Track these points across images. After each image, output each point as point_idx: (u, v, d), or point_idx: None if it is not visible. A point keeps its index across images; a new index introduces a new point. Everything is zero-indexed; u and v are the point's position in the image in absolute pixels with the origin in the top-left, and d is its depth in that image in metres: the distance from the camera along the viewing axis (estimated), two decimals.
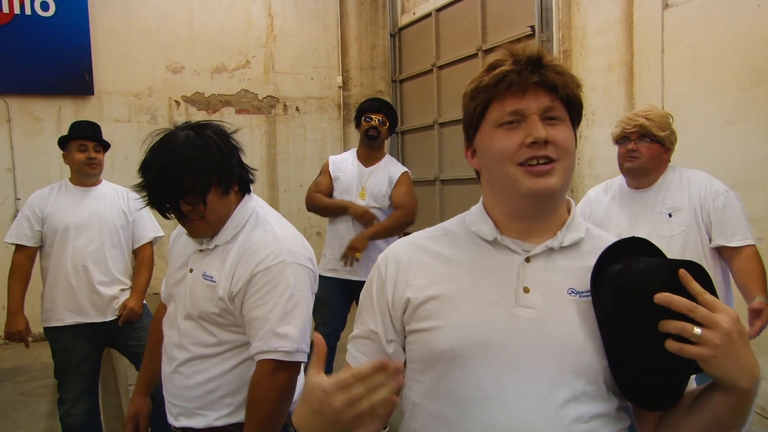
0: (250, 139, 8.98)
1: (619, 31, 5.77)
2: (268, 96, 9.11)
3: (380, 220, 4.60)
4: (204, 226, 2.24)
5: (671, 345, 1.18)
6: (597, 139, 6.14)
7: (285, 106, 9.20)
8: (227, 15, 8.82)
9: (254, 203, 2.34)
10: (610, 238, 1.53)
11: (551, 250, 1.45)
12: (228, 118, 8.65)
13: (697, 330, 1.17)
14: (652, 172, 3.22)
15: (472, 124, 1.49)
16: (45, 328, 4.01)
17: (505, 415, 1.33)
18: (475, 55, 7.79)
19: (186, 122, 2.28)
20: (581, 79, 5.49)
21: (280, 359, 2.10)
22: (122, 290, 4.06)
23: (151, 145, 2.21)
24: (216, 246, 2.25)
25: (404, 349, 1.50)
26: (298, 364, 2.17)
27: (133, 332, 4.02)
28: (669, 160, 3.32)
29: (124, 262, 4.12)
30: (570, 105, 1.44)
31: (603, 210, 3.33)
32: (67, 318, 3.93)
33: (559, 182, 1.40)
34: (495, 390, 1.34)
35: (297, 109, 9.26)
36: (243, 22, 8.92)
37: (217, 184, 2.18)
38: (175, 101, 8.62)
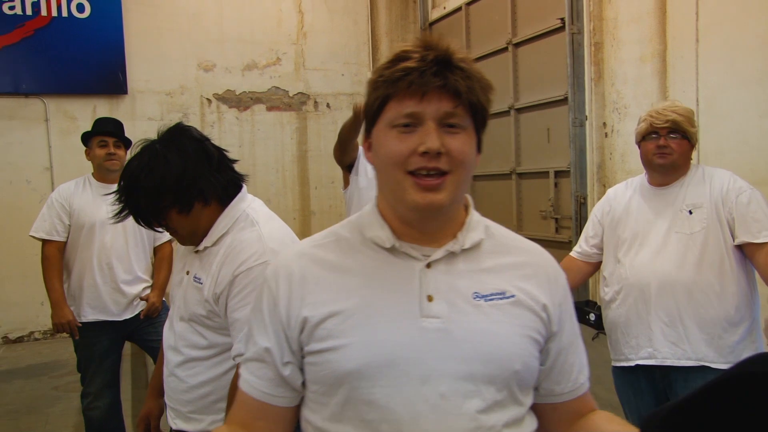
0: (281, 136, 9.02)
1: (652, 22, 5.68)
2: (298, 93, 9.11)
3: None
4: (180, 238, 2.26)
5: None
6: (629, 133, 5.91)
7: (316, 102, 9.19)
8: (257, 12, 8.84)
9: (245, 204, 2.28)
10: (511, 235, 1.49)
11: (452, 254, 1.38)
12: (259, 116, 8.82)
13: None
14: (681, 169, 3.12)
15: (369, 117, 1.39)
16: None
17: None
18: (505, 49, 7.75)
19: (167, 129, 2.23)
20: (613, 72, 5.43)
21: None
22: (144, 289, 4.10)
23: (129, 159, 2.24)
24: (205, 248, 2.22)
25: (302, 371, 1.40)
26: None
27: (152, 327, 4.03)
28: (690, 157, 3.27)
29: (146, 260, 4.15)
30: (474, 111, 1.33)
31: (622, 207, 3.23)
32: (89, 315, 3.95)
33: (449, 198, 1.31)
34: (406, 409, 1.29)
35: (328, 105, 9.25)
36: (273, 20, 8.94)
37: (174, 207, 2.15)
38: (207, 99, 8.68)
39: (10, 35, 7.60)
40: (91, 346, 3.97)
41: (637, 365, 2.98)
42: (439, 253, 1.36)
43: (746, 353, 2.86)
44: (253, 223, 2.22)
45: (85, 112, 7.98)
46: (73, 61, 7.84)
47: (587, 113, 6.52)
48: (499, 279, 1.38)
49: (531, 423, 1.40)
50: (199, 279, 2.20)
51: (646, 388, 3.05)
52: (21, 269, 7.60)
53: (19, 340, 7.91)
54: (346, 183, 4.43)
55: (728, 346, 2.91)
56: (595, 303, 6.57)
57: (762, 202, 2.97)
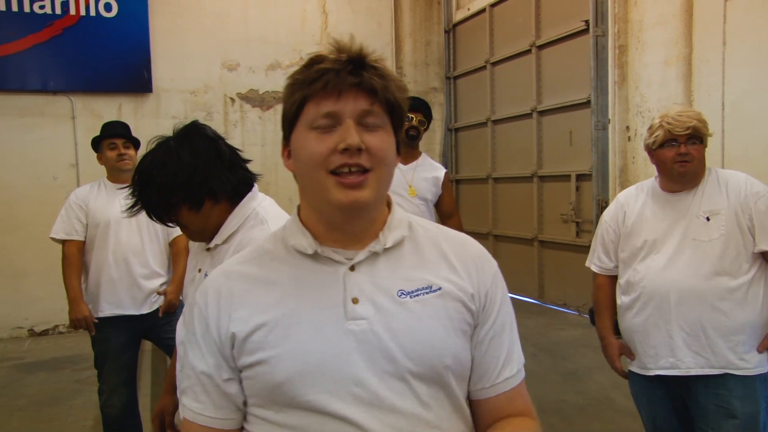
0: None
1: (678, 24, 5.68)
2: None
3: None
4: (190, 234, 2.30)
5: None
6: None
7: None
8: (282, 13, 8.88)
9: (255, 203, 2.30)
10: (435, 228, 1.49)
11: (375, 254, 1.38)
12: (281, 116, 8.78)
13: None
14: (699, 175, 3.05)
15: (288, 122, 1.38)
16: None
17: None
18: (528, 51, 7.77)
19: (182, 126, 2.27)
20: (637, 75, 5.40)
21: None
22: (161, 284, 4.13)
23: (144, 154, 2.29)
24: (216, 246, 2.25)
25: (242, 387, 1.40)
26: None
27: (169, 325, 4.03)
28: None
29: (161, 255, 4.18)
30: (391, 110, 1.34)
31: (635, 214, 3.15)
32: (106, 310, 3.99)
33: (373, 195, 1.31)
34: (343, 413, 1.29)
35: None
36: (297, 20, 8.97)
37: (185, 204, 2.19)
38: (230, 98, 8.72)
39: (40, 34, 7.69)
40: (108, 341, 4.01)
41: (657, 375, 2.94)
42: (361, 255, 1.36)
43: None
44: (262, 221, 2.24)
45: (110, 110, 8.06)
46: (99, 60, 7.93)
47: (610, 116, 6.52)
48: (424, 273, 1.38)
49: (466, 413, 1.41)
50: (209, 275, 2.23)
51: (662, 396, 3.03)
52: (47, 264, 7.58)
53: (44, 333, 7.99)
54: None
55: (754, 352, 2.88)
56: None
57: None
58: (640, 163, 6.25)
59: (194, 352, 1.39)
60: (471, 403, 1.45)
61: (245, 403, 1.38)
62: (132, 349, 4.10)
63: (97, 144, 4.14)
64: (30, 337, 7.94)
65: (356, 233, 1.37)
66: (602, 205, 6.65)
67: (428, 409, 1.32)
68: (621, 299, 3.09)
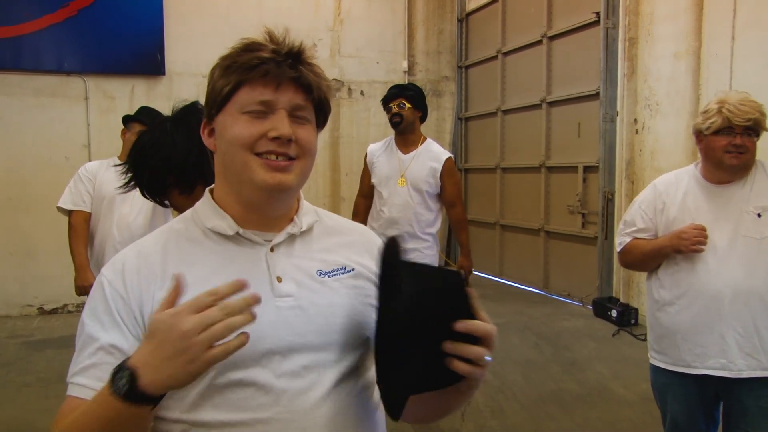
0: None
1: (689, 18, 5.68)
2: (333, 79, 9.05)
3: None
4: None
5: (462, 367, 1.21)
6: (660, 131, 6.07)
7: (350, 89, 9.20)
8: None
9: None
10: (337, 218, 1.57)
11: (292, 236, 1.44)
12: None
13: (487, 357, 1.22)
14: (749, 168, 2.95)
15: (216, 102, 1.39)
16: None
17: (288, 406, 1.32)
18: (539, 42, 7.76)
19: (181, 107, 2.30)
20: (646, 68, 5.36)
21: None
22: None
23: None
24: None
25: None
26: None
27: None
28: None
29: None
30: (319, 108, 1.41)
31: (677, 206, 3.01)
32: None
33: (296, 180, 1.37)
34: (274, 383, 1.32)
35: (362, 92, 9.26)
36: (311, 5, 8.97)
37: (176, 187, 2.22)
38: None
39: (56, 14, 7.68)
40: None
41: (703, 374, 2.84)
42: (280, 237, 1.41)
43: None
44: None
45: (123, 91, 8.10)
46: (113, 42, 7.94)
47: (618, 109, 6.52)
48: (337, 256, 1.46)
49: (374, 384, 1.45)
50: None
51: (694, 395, 2.93)
52: (57, 243, 7.59)
53: (53, 311, 8.05)
54: None
55: None
56: (618, 300, 6.55)
57: None
58: (646, 156, 6.25)
59: (106, 329, 1.32)
60: None
61: None
62: None
63: (127, 121, 4.24)
64: (39, 315, 8.00)
65: (273, 217, 1.41)
66: (608, 197, 6.65)
67: (352, 378, 1.40)
68: (660, 293, 2.99)
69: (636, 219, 3.09)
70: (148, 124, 4.06)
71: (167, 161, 2.19)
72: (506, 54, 8.53)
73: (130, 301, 1.33)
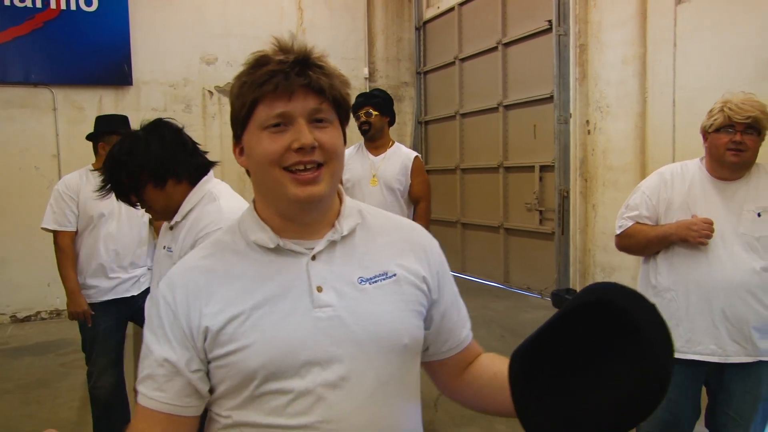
0: None
1: (634, 26, 5.79)
2: None
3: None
4: (154, 214, 2.56)
5: None
6: (611, 131, 6.18)
7: None
8: (259, 8, 8.91)
9: (210, 186, 2.53)
10: (383, 215, 1.54)
11: (333, 243, 1.41)
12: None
13: None
14: (750, 166, 3.00)
15: (238, 122, 1.39)
16: None
17: (328, 415, 1.33)
18: (495, 49, 7.87)
19: (152, 121, 2.54)
20: (596, 73, 5.45)
21: None
22: (149, 269, 4.15)
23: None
24: (177, 222, 2.48)
25: (209, 377, 1.40)
26: None
27: None
28: None
29: (146, 245, 4.22)
30: (338, 105, 1.37)
31: (681, 197, 3.06)
32: (95, 296, 4.02)
33: (327, 188, 1.35)
34: (312, 391, 1.34)
35: None
36: (274, 15, 9.00)
37: (150, 181, 2.42)
38: (209, 91, 8.74)
39: (21, 27, 7.64)
40: (97, 325, 4.03)
41: (691, 359, 2.92)
42: (321, 245, 1.39)
43: None
44: (214, 198, 2.48)
45: (91, 102, 8.05)
46: (80, 53, 7.91)
47: (571, 111, 6.62)
48: (380, 259, 1.42)
49: (416, 383, 1.48)
50: (170, 248, 2.47)
51: (687, 379, 2.98)
52: (29, 252, 7.65)
53: (26, 319, 7.98)
54: None
55: None
56: (575, 291, 6.68)
57: None
58: (599, 155, 6.35)
59: (160, 343, 1.39)
60: (437, 364, 1.55)
61: (210, 391, 1.40)
62: (119, 331, 4.12)
63: (105, 134, 4.12)
64: (12, 323, 7.92)
65: (312, 224, 1.40)
66: (564, 195, 6.77)
67: (390, 384, 1.38)
68: (657, 279, 3.02)
69: (640, 205, 3.10)
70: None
71: (144, 162, 2.40)
72: (463, 60, 8.62)
73: (179, 315, 1.37)
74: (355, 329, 1.35)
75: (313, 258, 1.38)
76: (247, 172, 1.42)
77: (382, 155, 4.63)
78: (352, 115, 4.72)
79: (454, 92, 8.81)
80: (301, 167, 1.31)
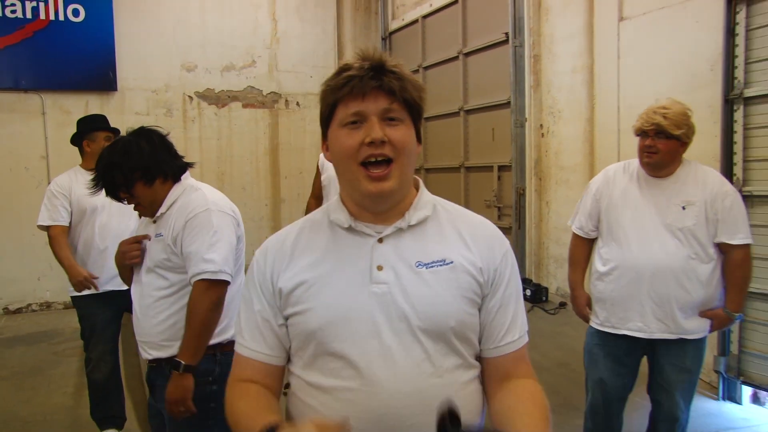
0: (256, 131, 9.17)
1: (582, 39, 5.92)
2: (271, 92, 9.24)
3: None
4: (142, 209, 2.63)
5: None
6: (563, 134, 6.30)
7: (287, 101, 9.32)
8: (236, 20, 8.96)
9: (189, 182, 2.67)
10: (456, 210, 1.57)
11: (400, 230, 1.47)
12: (235, 112, 8.93)
13: None
14: (668, 166, 3.14)
15: (324, 122, 1.48)
16: (72, 297, 4.15)
17: (368, 380, 1.39)
18: (456, 58, 7.95)
19: (138, 127, 2.66)
20: (549, 81, 5.57)
21: (208, 278, 2.43)
22: None
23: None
24: (162, 214, 2.58)
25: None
26: (224, 282, 2.47)
27: None
28: (684, 153, 3.22)
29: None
30: (409, 106, 1.43)
31: (621, 190, 3.24)
32: (92, 287, 4.04)
33: (396, 183, 1.41)
34: (360, 359, 1.39)
35: (297, 104, 9.38)
36: (250, 26, 9.06)
37: (142, 179, 2.53)
38: (189, 96, 8.78)
39: (12, 36, 7.66)
40: (95, 316, 4.07)
41: (624, 334, 3.13)
42: (389, 230, 1.46)
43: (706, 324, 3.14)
44: (197, 188, 2.63)
45: (78, 106, 8.04)
46: (68, 61, 7.92)
47: (527, 116, 6.75)
48: (441, 248, 1.47)
49: (472, 368, 1.50)
50: (160, 233, 2.55)
51: (622, 352, 3.19)
52: (20, 248, 7.69)
53: (18, 311, 7.98)
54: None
55: (700, 320, 3.10)
56: (531, 280, 6.88)
57: (741, 207, 3.09)
58: (552, 156, 6.48)
59: (257, 298, 1.52)
60: (482, 360, 1.54)
61: (290, 347, 1.51)
62: (115, 322, 4.13)
63: (87, 132, 4.14)
64: (5, 314, 7.93)
65: (383, 213, 1.47)
66: (520, 193, 6.88)
67: (432, 361, 1.41)
68: (598, 266, 3.24)
69: (587, 200, 3.33)
70: (110, 130, 4.15)
71: (136, 160, 2.52)
72: (426, 68, 8.66)
73: (267, 276, 1.51)
74: (404, 306, 1.41)
75: (380, 240, 1.46)
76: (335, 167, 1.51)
77: None
78: None
79: None
80: (373, 159, 1.39)
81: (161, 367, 2.57)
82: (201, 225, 2.49)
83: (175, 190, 2.61)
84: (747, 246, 3.10)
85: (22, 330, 7.20)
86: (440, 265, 1.44)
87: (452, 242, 1.48)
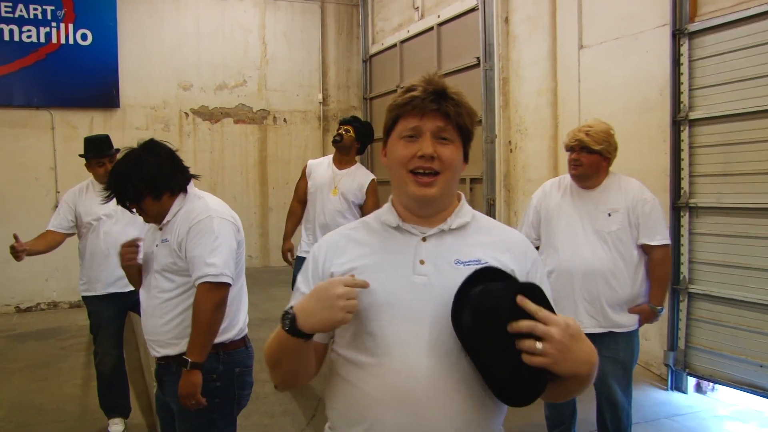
0: (246, 145, 9.30)
1: (546, 65, 6.02)
2: (261, 109, 9.38)
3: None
4: (147, 218, 2.67)
5: (525, 358, 1.26)
6: (529, 150, 6.38)
7: (275, 117, 9.45)
8: (229, 43, 9.10)
9: (193, 191, 2.69)
10: (493, 222, 1.65)
11: (443, 231, 1.53)
12: (227, 127, 9.08)
13: (539, 345, 1.25)
14: (593, 177, 3.25)
15: (386, 131, 1.56)
16: (83, 297, 4.25)
17: (401, 358, 1.44)
18: None
19: (147, 140, 2.66)
20: (517, 101, 5.65)
21: (210, 281, 2.46)
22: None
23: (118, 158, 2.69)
24: (168, 221, 2.61)
25: None
26: (225, 284, 2.50)
27: None
28: (609, 167, 3.34)
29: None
30: (461, 130, 1.50)
31: (555, 202, 3.35)
32: (99, 289, 4.13)
33: (439, 192, 1.48)
34: (396, 339, 1.44)
35: (284, 120, 9.51)
36: (241, 49, 9.20)
37: (150, 194, 2.56)
38: (185, 113, 8.91)
39: (27, 58, 7.81)
40: (101, 314, 4.16)
41: None
42: (432, 231, 1.53)
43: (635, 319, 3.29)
44: (199, 197, 2.66)
45: (84, 121, 8.17)
46: (76, 80, 8.05)
47: (497, 133, 6.78)
48: (478, 251, 1.53)
49: None
50: (166, 239, 2.58)
51: None
52: None
53: (28, 309, 8.07)
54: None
55: (629, 315, 3.25)
56: None
57: (659, 212, 3.25)
58: (519, 170, 6.52)
59: (305, 284, 1.59)
60: None
61: None
62: (120, 319, 4.26)
63: (86, 158, 4.20)
64: (16, 312, 8.01)
65: (427, 217, 1.55)
66: (491, 203, 6.89)
67: (459, 346, 1.43)
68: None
69: (530, 212, 3.47)
70: (97, 156, 4.12)
71: (145, 177, 2.54)
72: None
73: (319, 265, 1.58)
74: (442, 297, 1.44)
75: (424, 239, 1.53)
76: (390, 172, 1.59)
77: (345, 170, 4.79)
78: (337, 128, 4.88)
79: None
80: (421, 171, 1.48)
81: (169, 364, 2.60)
82: (203, 231, 2.52)
83: (179, 200, 2.63)
84: (666, 246, 3.26)
85: (32, 327, 7.29)
86: (476, 264, 1.48)
87: (487, 247, 1.55)
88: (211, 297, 2.47)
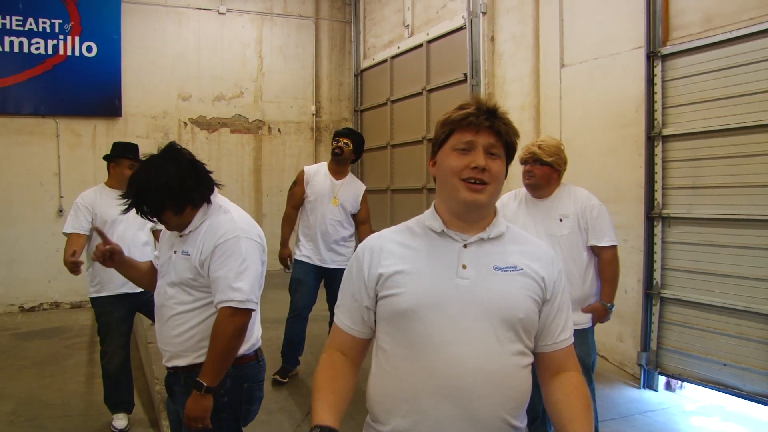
0: (242, 154, 9.32)
1: (529, 81, 6.10)
2: (256, 119, 9.41)
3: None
4: (169, 227, 2.48)
5: None
6: (513, 163, 6.22)
7: (269, 128, 9.49)
8: (227, 56, 9.15)
9: (219, 200, 2.50)
10: (524, 234, 1.72)
11: (482, 239, 1.58)
12: (224, 137, 9.11)
13: None
14: (546, 187, 3.36)
15: (437, 143, 1.60)
16: (92, 298, 4.18)
17: (449, 354, 1.49)
18: (420, 94, 8.01)
19: (169, 144, 2.46)
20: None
21: (235, 306, 2.30)
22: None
23: (138, 166, 2.48)
24: (190, 231, 2.42)
25: (375, 313, 1.61)
26: (249, 310, 2.35)
27: None
28: (560, 178, 3.46)
29: (151, 245, 4.26)
30: (507, 147, 1.57)
31: (512, 212, 3.44)
32: (112, 289, 4.07)
33: (487, 199, 1.54)
34: (441, 337, 1.49)
35: (279, 130, 9.55)
36: (239, 62, 9.25)
37: (170, 207, 2.37)
38: (184, 122, 8.95)
39: (35, 69, 7.85)
40: (111, 314, 4.13)
41: None
42: (473, 239, 1.58)
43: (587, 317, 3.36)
44: (225, 211, 2.44)
45: (87, 130, 8.21)
46: (80, 90, 8.07)
47: None
48: (514, 258, 1.59)
49: (529, 356, 1.60)
50: (187, 252, 2.39)
51: None
52: (34, 254, 7.84)
53: (32, 309, 8.07)
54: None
55: (583, 315, 3.33)
56: None
57: (606, 216, 3.35)
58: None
59: (351, 283, 1.65)
60: (537, 356, 1.64)
61: (375, 324, 1.63)
62: (129, 320, 4.22)
63: (116, 157, 4.18)
64: (21, 312, 8.01)
65: (472, 223, 1.59)
66: None
67: (501, 344, 1.51)
68: None
69: None
70: (134, 159, 4.11)
71: (164, 190, 2.34)
72: (394, 102, 8.65)
73: (364, 267, 1.62)
74: (482, 298, 1.52)
75: (465, 246, 1.58)
76: (434, 179, 1.65)
77: (342, 180, 4.86)
78: (332, 138, 4.95)
79: (386, 127, 8.81)
80: (473, 181, 1.54)
81: (178, 375, 2.50)
82: (230, 251, 2.34)
83: (205, 211, 2.45)
84: (614, 247, 3.37)
85: (36, 326, 7.30)
86: (513, 270, 1.57)
87: (521, 255, 1.61)
88: (234, 322, 2.32)
